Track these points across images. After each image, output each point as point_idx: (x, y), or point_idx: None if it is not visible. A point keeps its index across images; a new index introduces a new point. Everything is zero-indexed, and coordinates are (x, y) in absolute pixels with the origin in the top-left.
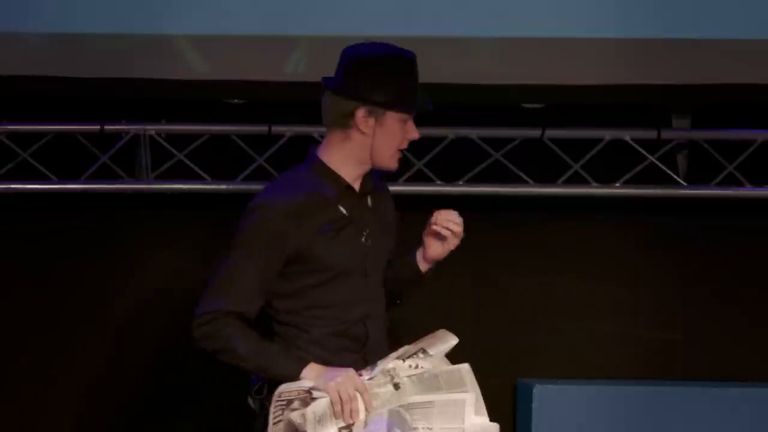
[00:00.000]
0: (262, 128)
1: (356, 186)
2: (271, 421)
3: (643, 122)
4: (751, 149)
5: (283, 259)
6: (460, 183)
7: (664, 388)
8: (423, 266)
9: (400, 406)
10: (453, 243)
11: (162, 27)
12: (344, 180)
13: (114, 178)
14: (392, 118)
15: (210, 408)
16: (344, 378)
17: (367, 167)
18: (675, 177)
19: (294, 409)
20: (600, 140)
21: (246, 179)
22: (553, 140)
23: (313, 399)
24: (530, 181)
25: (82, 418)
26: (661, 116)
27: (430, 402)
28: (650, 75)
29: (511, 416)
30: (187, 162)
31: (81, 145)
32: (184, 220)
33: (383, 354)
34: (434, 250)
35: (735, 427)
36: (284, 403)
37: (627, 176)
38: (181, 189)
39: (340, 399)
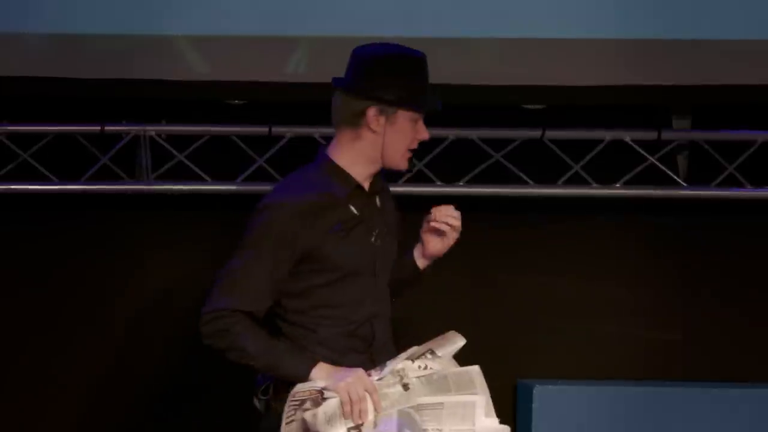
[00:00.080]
0: (263, 129)
1: (366, 186)
2: (284, 420)
3: (643, 123)
4: (752, 150)
5: (294, 259)
6: (461, 184)
7: (664, 388)
8: (422, 263)
9: (409, 407)
10: (453, 237)
11: (162, 27)
12: (354, 179)
13: (114, 178)
14: (403, 118)
15: (211, 409)
16: (354, 378)
17: (377, 167)
18: (675, 178)
19: (306, 409)
20: (600, 141)
21: (246, 180)
22: (554, 141)
23: (325, 399)
24: (530, 181)
25: (82, 418)
26: (662, 117)
27: (439, 403)
28: (650, 75)
29: (511, 417)
30: (188, 163)
31: (81, 146)
32: (184, 220)
33: (389, 354)
34: (434, 246)
35: (735, 427)
36: (297, 403)
37: (627, 177)
38: (182, 190)
39: (350, 399)
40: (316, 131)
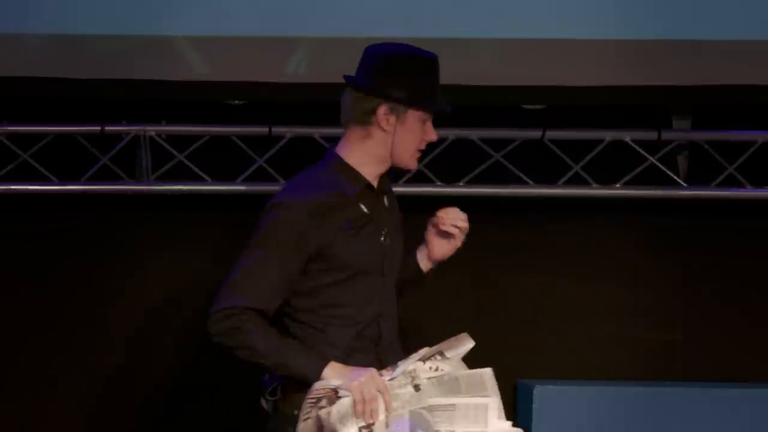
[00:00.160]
0: (263, 129)
1: (375, 184)
2: (301, 417)
3: (643, 123)
4: (752, 150)
5: (305, 258)
6: (461, 184)
7: (665, 388)
8: (426, 266)
9: (421, 408)
10: (460, 240)
11: (162, 28)
12: (365, 178)
13: (114, 179)
14: (413, 117)
15: (217, 410)
16: (367, 378)
17: (386, 165)
18: (675, 178)
19: (322, 407)
20: (600, 141)
21: (246, 180)
22: (554, 141)
23: (339, 398)
24: (531, 182)
25: (82, 418)
26: (662, 117)
27: (452, 405)
28: (650, 76)
29: (511, 417)
30: (188, 163)
31: (81, 146)
32: (184, 221)
33: (395, 354)
34: (440, 249)
35: (735, 427)
36: (314, 400)
37: (627, 177)
38: (182, 190)
39: (363, 398)
40: (316, 131)
